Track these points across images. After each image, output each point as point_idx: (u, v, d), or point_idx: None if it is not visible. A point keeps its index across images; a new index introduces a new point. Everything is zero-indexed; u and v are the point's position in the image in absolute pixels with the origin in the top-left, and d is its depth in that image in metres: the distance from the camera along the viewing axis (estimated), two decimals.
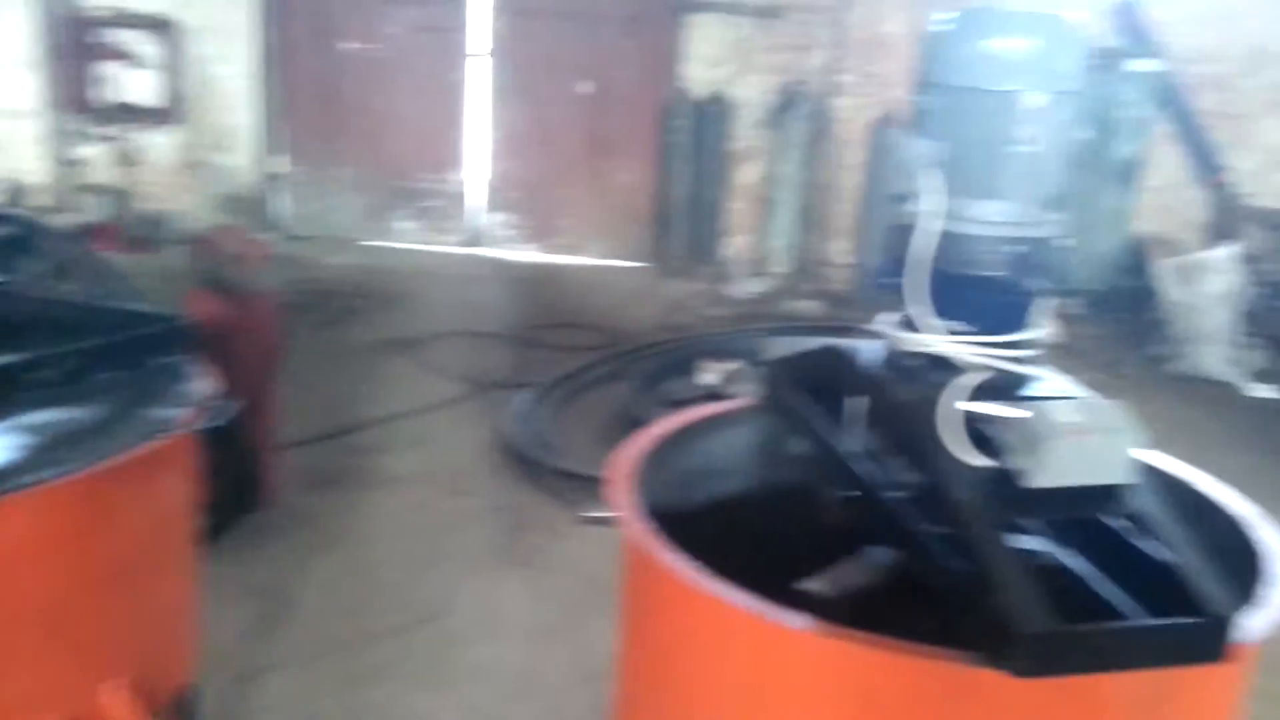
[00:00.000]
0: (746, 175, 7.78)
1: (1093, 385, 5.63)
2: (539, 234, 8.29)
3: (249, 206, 8.14)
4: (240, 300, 3.89)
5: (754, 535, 2.11)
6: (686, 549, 1.67)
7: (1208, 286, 6.18)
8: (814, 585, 1.72)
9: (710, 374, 5.39)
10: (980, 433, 1.65)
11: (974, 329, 1.71)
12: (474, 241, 8.34)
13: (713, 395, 5.12)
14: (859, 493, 1.81)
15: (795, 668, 1.54)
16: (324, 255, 7.81)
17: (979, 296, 1.71)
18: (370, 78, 8.06)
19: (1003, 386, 1.68)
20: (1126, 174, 7.19)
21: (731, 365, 5.48)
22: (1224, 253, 6.24)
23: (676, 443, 2.12)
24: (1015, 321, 1.72)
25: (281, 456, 4.21)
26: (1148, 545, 1.57)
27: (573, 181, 8.12)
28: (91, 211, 7.72)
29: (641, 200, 8.04)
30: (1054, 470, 1.48)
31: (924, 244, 1.68)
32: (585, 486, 4.23)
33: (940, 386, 1.64)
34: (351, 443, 4.80)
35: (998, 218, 1.69)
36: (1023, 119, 1.67)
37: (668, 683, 1.77)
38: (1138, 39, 7.19)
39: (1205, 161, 7.49)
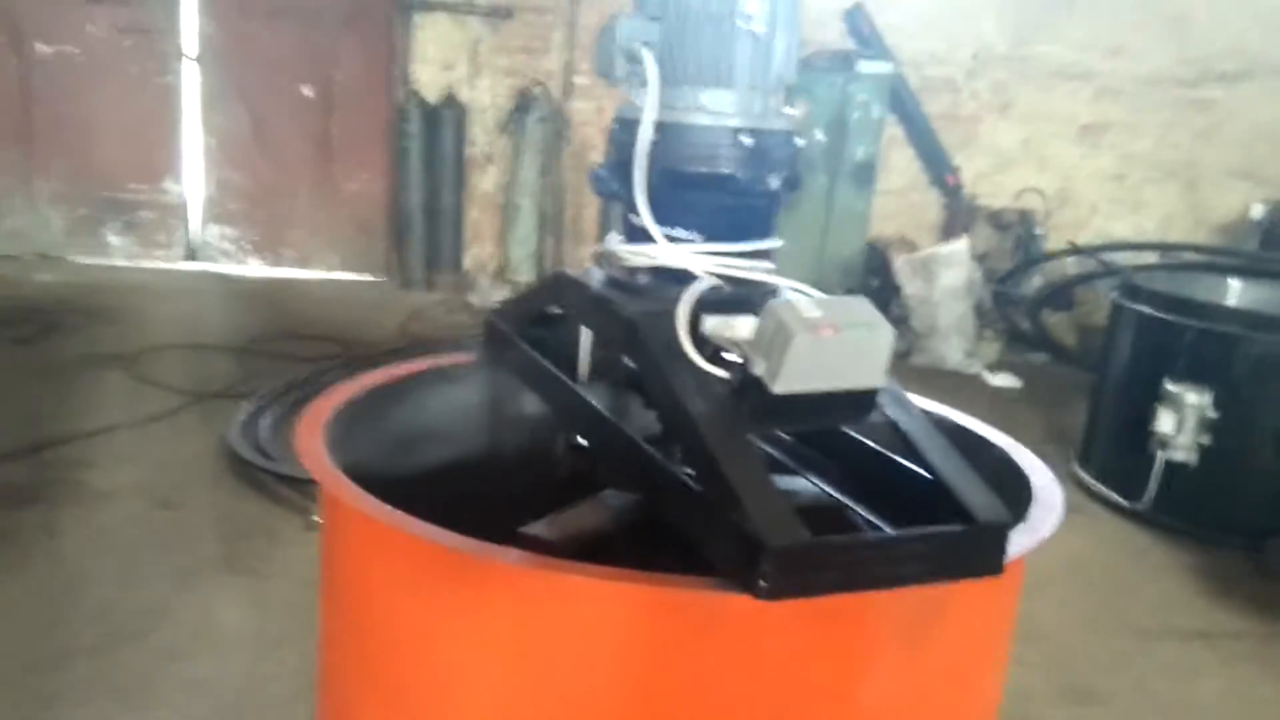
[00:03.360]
0: (485, 181, 7.55)
1: None
2: (265, 247, 7.76)
3: None
4: None
5: (480, 502, 1.89)
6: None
7: (942, 280, 6.38)
8: (536, 529, 1.52)
9: None
10: (717, 346, 1.50)
11: (707, 236, 1.56)
12: (194, 255, 7.76)
13: None
14: (593, 436, 1.63)
15: (508, 610, 1.29)
16: (28, 274, 7.13)
17: (711, 198, 1.53)
18: (71, 83, 7.36)
19: (740, 298, 1.54)
20: (862, 176, 7.33)
21: None
22: (955, 247, 6.47)
23: (385, 400, 1.89)
24: (752, 227, 1.58)
25: None
26: (903, 459, 1.46)
27: (299, 191, 7.65)
28: None
29: (374, 209, 7.65)
30: (799, 373, 1.29)
31: (644, 138, 1.51)
32: (314, 492, 3.93)
33: (671, 299, 1.49)
34: (52, 457, 4.29)
35: (727, 107, 1.50)
36: None
37: (368, 639, 1.52)
38: (868, 42, 7.42)
39: (936, 163, 7.75)
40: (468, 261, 7.62)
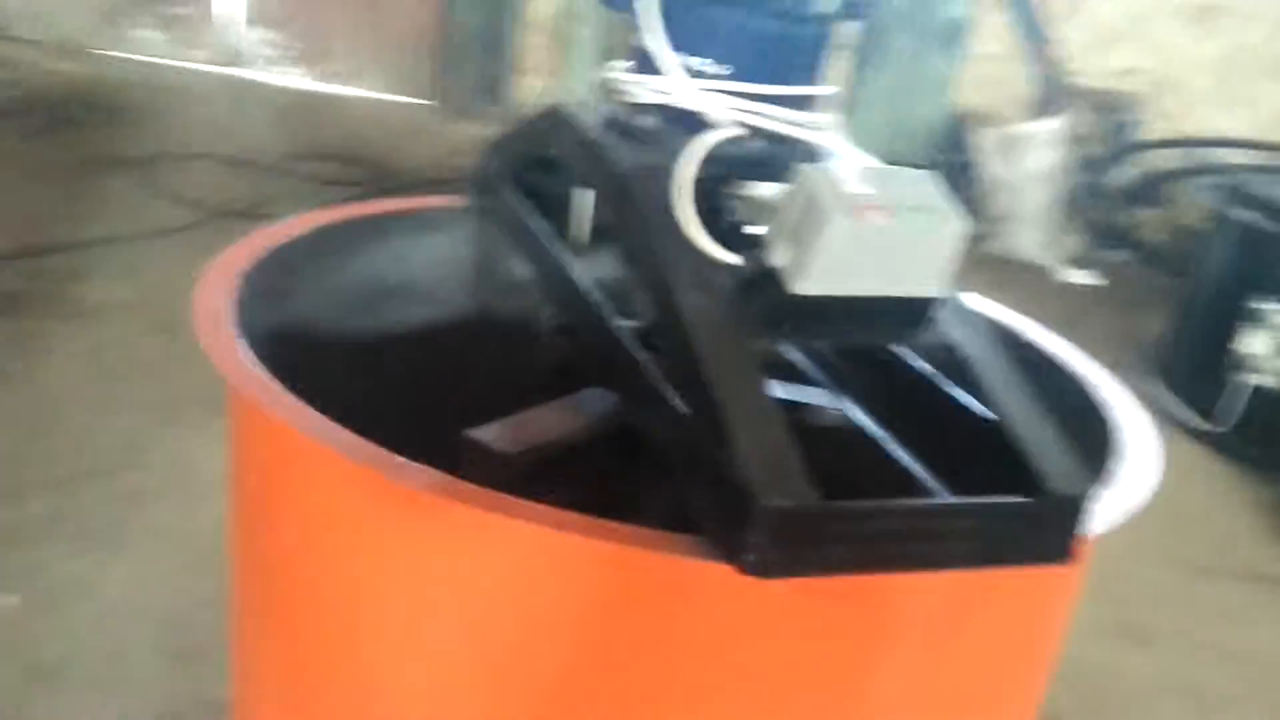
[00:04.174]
0: (544, 7, 7.03)
1: None
2: (307, 58, 7.32)
3: None
4: None
5: (449, 389, 1.57)
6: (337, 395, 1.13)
7: (1027, 162, 5.86)
8: (487, 435, 1.19)
9: None
10: (733, 222, 1.14)
11: (736, 72, 1.19)
12: (230, 60, 7.34)
13: None
14: (573, 319, 1.29)
15: (414, 544, 0.99)
16: (48, 61, 6.71)
17: (740, 19, 1.14)
18: None
19: (769, 157, 1.17)
20: (951, 37, 6.69)
21: None
22: (1046, 126, 5.91)
23: (337, 247, 1.55)
24: (796, 64, 1.18)
25: None
26: (963, 395, 1.11)
27: (347, 2, 7.20)
28: None
29: (425, 27, 7.15)
30: (831, 268, 0.93)
31: None
32: None
33: (678, 151, 1.12)
34: (42, 265, 4.02)
35: None
36: None
37: (262, 553, 1.23)
38: None
39: (1034, 32, 7.02)
40: (520, 93, 7.16)
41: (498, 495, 0.93)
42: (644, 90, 1.20)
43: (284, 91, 7.15)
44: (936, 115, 6.78)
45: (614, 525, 0.91)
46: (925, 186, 1.00)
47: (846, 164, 0.99)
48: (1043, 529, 0.97)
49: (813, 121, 1.17)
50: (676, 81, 1.17)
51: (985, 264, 5.89)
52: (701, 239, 1.02)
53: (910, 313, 1.02)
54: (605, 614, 0.94)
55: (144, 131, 5.74)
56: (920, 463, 1.11)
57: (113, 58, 7.08)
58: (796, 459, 0.88)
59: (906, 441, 1.15)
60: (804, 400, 1.28)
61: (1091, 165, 6.38)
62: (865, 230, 0.94)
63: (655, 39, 1.15)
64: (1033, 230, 5.84)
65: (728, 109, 1.15)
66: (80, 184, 4.86)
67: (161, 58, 7.22)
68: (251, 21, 7.31)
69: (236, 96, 6.86)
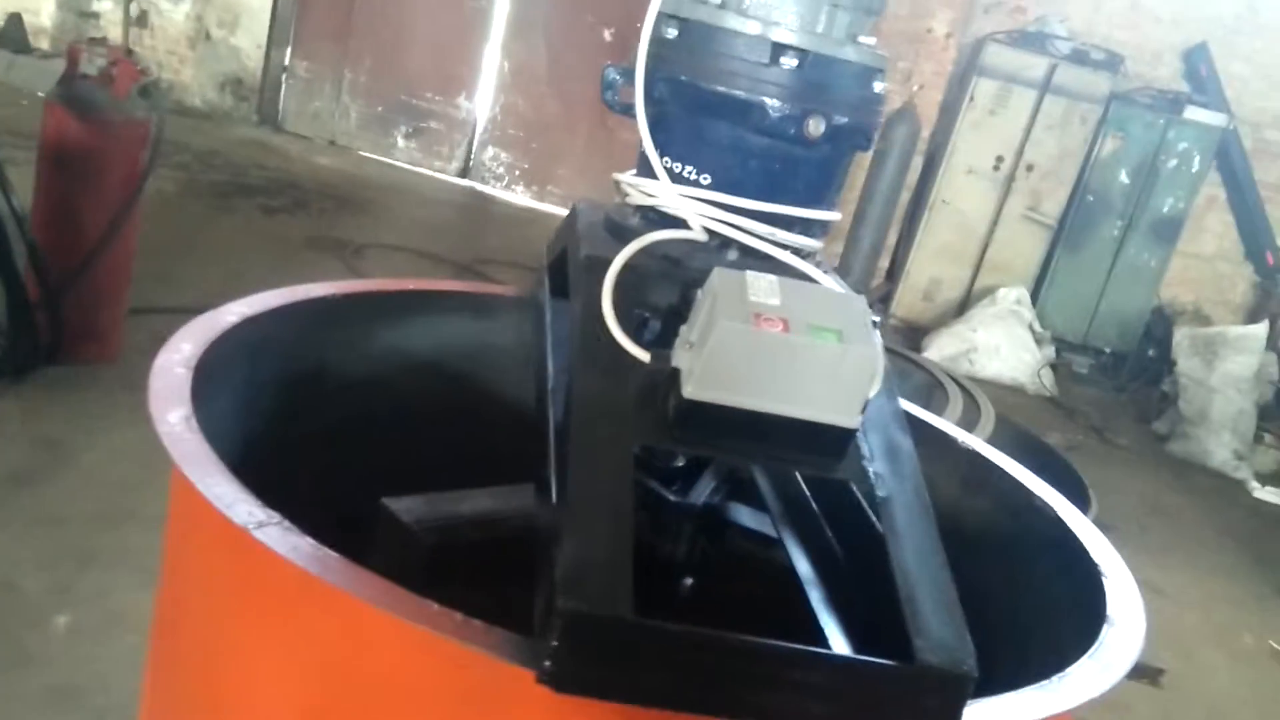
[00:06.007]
0: None
1: (1075, 449, 4.87)
2: (533, 177, 7.79)
3: (250, 93, 7.83)
4: (99, 122, 3.58)
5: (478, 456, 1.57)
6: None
7: (1227, 365, 5.52)
8: (400, 505, 1.18)
9: None
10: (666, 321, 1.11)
11: (720, 183, 1.17)
12: (466, 172, 7.87)
13: None
14: (538, 404, 1.28)
15: (273, 601, 0.97)
16: (311, 154, 7.42)
17: (725, 131, 1.13)
18: None
19: (704, 267, 1.13)
20: (1163, 231, 6.54)
21: None
22: (1249, 331, 5.58)
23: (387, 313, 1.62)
24: (784, 183, 1.15)
25: (129, 317, 3.88)
26: (879, 539, 1.02)
27: (577, 130, 7.59)
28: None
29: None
30: (722, 376, 0.91)
31: (647, 31, 1.14)
32: None
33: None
34: None
35: (774, 13, 1.11)
36: None
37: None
38: (1204, 87, 6.56)
39: (1257, 235, 6.80)
40: None
41: (345, 567, 0.91)
42: (635, 192, 1.21)
43: (504, 204, 7.59)
44: (1139, 305, 6.61)
45: (438, 611, 0.87)
46: (847, 309, 0.96)
47: (765, 275, 0.96)
48: (919, 704, 0.88)
49: (786, 240, 1.15)
50: (660, 186, 1.17)
51: (1167, 465, 5.55)
52: (617, 332, 1.01)
53: (818, 440, 0.96)
54: (417, 700, 0.90)
55: (366, 221, 6.19)
56: (835, 613, 1.04)
57: (366, 158, 7.73)
58: (625, 571, 0.83)
59: (831, 586, 1.08)
60: (751, 527, 1.24)
61: None
62: (758, 340, 0.91)
63: (646, 144, 1.17)
64: (1224, 438, 5.45)
65: (700, 215, 1.14)
66: (293, 258, 5.25)
67: (406, 163, 7.81)
68: (488, 141, 7.81)
69: (459, 204, 7.34)
